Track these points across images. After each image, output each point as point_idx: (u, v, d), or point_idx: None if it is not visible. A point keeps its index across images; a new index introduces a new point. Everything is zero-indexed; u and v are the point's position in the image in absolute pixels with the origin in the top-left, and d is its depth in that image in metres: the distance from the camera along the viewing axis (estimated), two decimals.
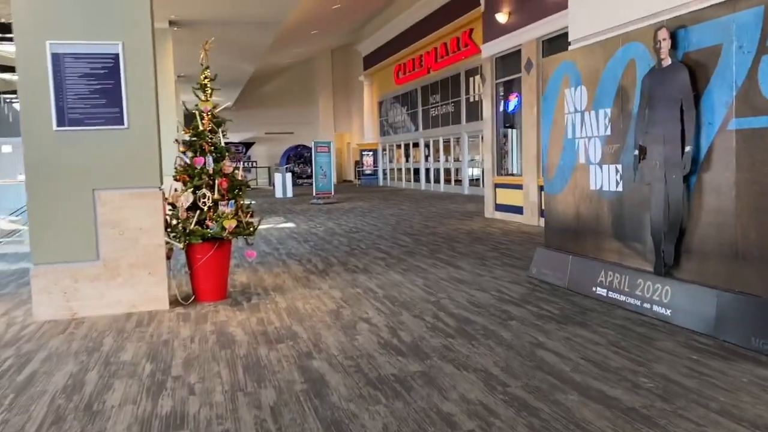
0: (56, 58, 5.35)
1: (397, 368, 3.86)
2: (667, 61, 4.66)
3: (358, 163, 33.27)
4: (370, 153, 32.27)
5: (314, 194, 19.45)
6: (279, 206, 18.81)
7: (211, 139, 5.93)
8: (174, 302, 5.83)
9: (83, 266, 5.49)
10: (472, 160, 21.69)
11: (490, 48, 12.86)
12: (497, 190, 13.03)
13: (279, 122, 38.22)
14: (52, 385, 3.78)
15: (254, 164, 32.15)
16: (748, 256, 4.13)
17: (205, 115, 5.92)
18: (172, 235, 5.77)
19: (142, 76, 5.56)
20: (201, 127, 5.88)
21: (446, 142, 23.84)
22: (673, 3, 5.66)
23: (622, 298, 5.19)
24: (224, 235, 5.69)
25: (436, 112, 24.48)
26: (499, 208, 12.94)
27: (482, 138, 19.29)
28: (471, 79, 21.36)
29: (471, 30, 20.31)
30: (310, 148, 33.96)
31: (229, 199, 5.85)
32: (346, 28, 30.87)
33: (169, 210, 5.85)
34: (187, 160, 5.90)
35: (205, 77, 6.03)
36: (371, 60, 30.68)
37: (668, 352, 4.03)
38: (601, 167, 5.64)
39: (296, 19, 22.73)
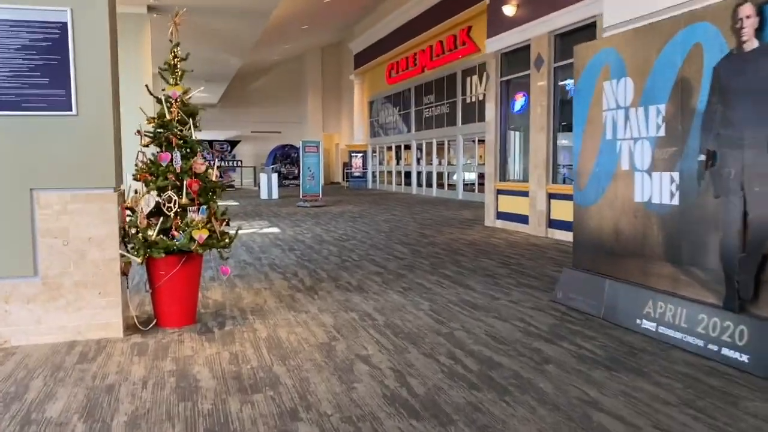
0: None
1: None
2: (752, 44, 3.73)
3: (347, 165, 32.26)
4: (360, 155, 31.27)
5: (301, 197, 18.43)
6: (263, 209, 17.76)
7: (180, 131, 4.91)
8: (131, 327, 4.80)
9: (17, 284, 4.45)
10: (467, 163, 20.76)
11: (495, 43, 11.93)
12: (499, 196, 12.09)
13: (266, 120, 37.13)
14: None
15: (239, 163, 31.02)
16: None
17: (173, 102, 4.90)
18: (129, 246, 4.75)
19: (96, 52, 4.53)
20: (168, 117, 4.86)
21: (440, 145, 22.91)
22: None
23: (678, 335, 4.25)
24: (193, 248, 4.67)
25: (430, 113, 23.55)
26: (501, 216, 12.00)
27: (477, 141, 18.52)
28: (468, 79, 20.45)
29: (469, 27, 19.40)
30: (298, 149, 32.99)
31: (200, 205, 4.83)
32: (337, 24, 29.90)
33: (129, 216, 4.83)
34: (151, 157, 4.87)
35: (174, 56, 5.01)
36: (363, 58, 29.70)
37: (764, 419, 3.09)
38: (650, 175, 4.69)
39: (286, 13, 21.71)
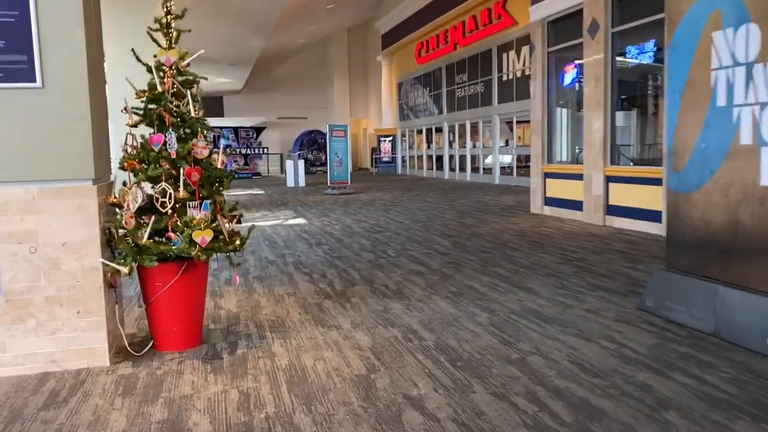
0: None
1: None
2: None
3: (375, 150, 31.21)
4: (388, 139, 30.18)
5: (329, 184, 17.47)
6: (290, 197, 16.84)
7: (176, 106, 3.92)
8: (122, 351, 3.87)
9: None
10: (504, 146, 19.54)
11: (540, 10, 10.71)
12: (547, 180, 10.94)
13: (292, 106, 36.23)
14: None
15: (265, 150, 30.18)
16: None
17: (166, 69, 3.90)
18: (117, 252, 3.80)
19: (65, 8, 3.56)
20: (160, 88, 3.87)
21: (474, 127, 21.70)
22: None
23: None
24: (194, 253, 3.70)
25: (463, 93, 22.32)
26: (550, 202, 10.85)
27: (516, 121, 17.29)
28: (504, 55, 19.18)
29: (505, 0, 18.11)
30: (325, 134, 32.02)
31: (202, 199, 3.85)
32: (363, 3, 28.74)
33: (117, 214, 3.88)
34: (141, 140, 3.90)
35: (168, 12, 3.99)
36: (390, 38, 28.49)
37: None
38: None
39: None
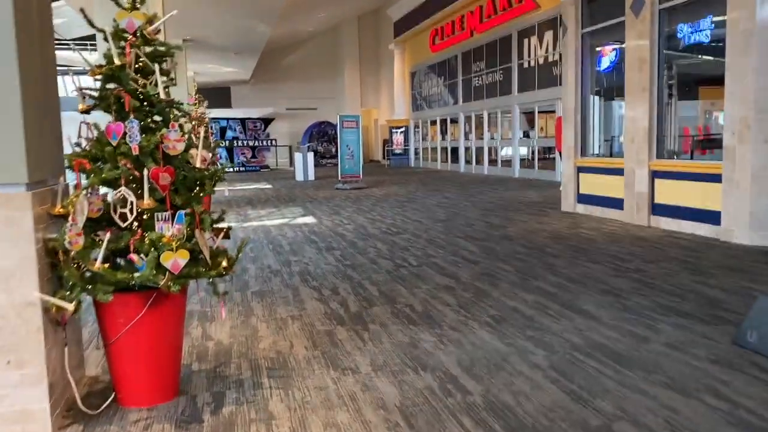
0: None
1: None
2: None
3: (387, 142, 30.20)
4: (401, 130, 29.16)
5: (339, 178, 16.52)
6: (298, 192, 15.91)
7: (142, 86, 2.97)
8: (73, 408, 2.95)
9: None
10: (525, 137, 18.49)
11: None
12: (581, 175, 9.92)
13: (301, 97, 35.21)
14: None
15: (273, 142, 29.24)
16: None
17: (129, 37, 2.95)
18: (63, 281, 2.87)
19: None
20: (119, 62, 2.91)
21: (492, 117, 20.65)
22: None
23: None
24: (162, 283, 2.76)
25: (480, 82, 21.25)
26: (584, 199, 9.84)
27: (538, 111, 16.19)
28: (525, 41, 18.10)
29: None
30: (335, 125, 31.02)
31: (176, 209, 2.91)
32: None
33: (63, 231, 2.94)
34: (95, 131, 2.96)
35: None
36: (403, 25, 27.41)
37: None
38: None
39: None
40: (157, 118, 2.98)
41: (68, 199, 2.86)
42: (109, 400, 3.01)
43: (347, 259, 6.65)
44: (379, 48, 33.28)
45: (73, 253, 2.78)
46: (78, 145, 2.99)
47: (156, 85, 2.92)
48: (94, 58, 3.54)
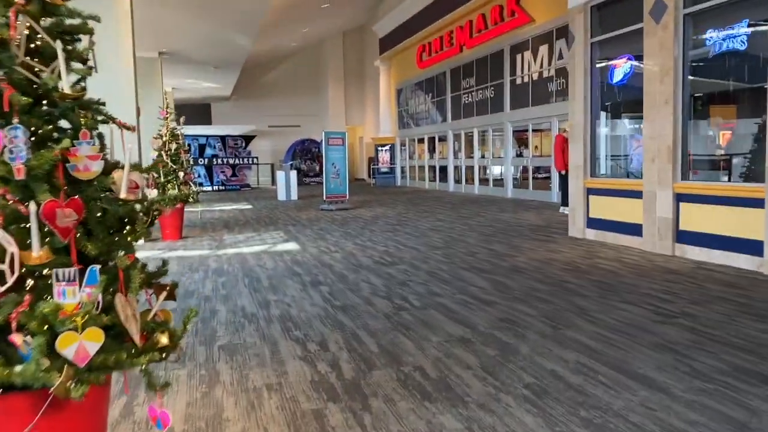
0: None
1: None
2: None
3: (373, 160, 29.29)
4: (387, 148, 28.28)
5: (324, 198, 15.51)
6: (280, 213, 14.87)
7: (35, 74, 1.96)
8: None
9: None
10: (518, 155, 17.65)
11: None
12: (591, 197, 9.03)
13: (284, 114, 34.29)
14: None
15: (255, 160, 28.17)
16: None
17: (16, 1, 1.95)
18: None
19: None
20: None
21: (482, 135, 19.82)
22: None
23: None
24: (56, 385, 1.73)
25: (470, 99, 20.46)
26: (595, 223, 8.94)
27: (532, 129, 15.31)
28: (518, 56, 17.34)
29: None
30: (319, 143, 30.06)
31: (86, 263, 1.90)
32: (360, 4, 26.92)
33: None
34: None
35: None
36: (389, 41, 26.66)
37: None
38: None
39: None
40: (60, 123, 1.97)
41: None
42: None
43: (337, 298, 5.63)
44: (364, 64, 32.52)
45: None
46: None
47: (58, 74, 1.91)
48: None
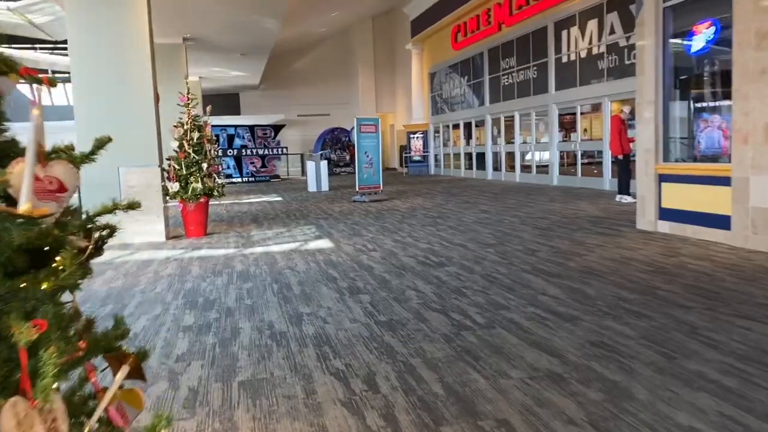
0: None
1: None
2: None
3: (405, 148, 28.28)
4: (420, 135, 27.23)
5: (357, 189, 14.58)
6: (311, 205, 14.00)
7: None
8: None
9: None
10: (565, 140, 16.46)
11: None
12: (664, 185, 7.92)
13: (313, 103, 33.48)
14: None
15: (284, 151, 27.36)
16: None
17: None
18: None
19: None
20: None
21: (524, 119, 18.65)
22: None
23: None
24: None
25: (510, 81, 19.28)
26: (669, 215, 7.84)
27: (581, 110, 13.99)
28: (564, 32, 16.12)
29: None
30: (349, 132, 29.15)
31: None
32: None
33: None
34: None
35: None
36: (421, 23, 25.52)
37: None
38: None
39: None
40: None
41: None
42: None
43: (381, 311, 4.70)
44: (395, 49, 31.44)
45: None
46: None
47: None
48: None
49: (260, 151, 26.24)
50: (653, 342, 3.70)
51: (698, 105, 7.77)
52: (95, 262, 1.28)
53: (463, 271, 6.04)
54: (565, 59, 16.16)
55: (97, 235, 1.22)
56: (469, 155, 23.02)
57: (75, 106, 8.83)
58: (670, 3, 7.73)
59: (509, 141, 19.60)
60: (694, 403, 2.83)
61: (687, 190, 7.53)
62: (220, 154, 24.53)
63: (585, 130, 15.43)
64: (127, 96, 8.94)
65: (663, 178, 7.93)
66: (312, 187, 18.69)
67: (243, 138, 26.33)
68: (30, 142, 1.09)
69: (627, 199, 11.59)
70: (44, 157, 1.13)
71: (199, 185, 9.12)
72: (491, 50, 20.46)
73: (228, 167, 25.52)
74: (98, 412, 1.17)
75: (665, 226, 7.88)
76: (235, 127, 26.39)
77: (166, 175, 9.26)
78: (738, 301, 4.55)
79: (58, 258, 1.09)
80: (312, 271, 6.39)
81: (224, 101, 32.41)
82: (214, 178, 9.44)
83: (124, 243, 8.84)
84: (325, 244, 8.21)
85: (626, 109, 11.92)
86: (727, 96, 6.95)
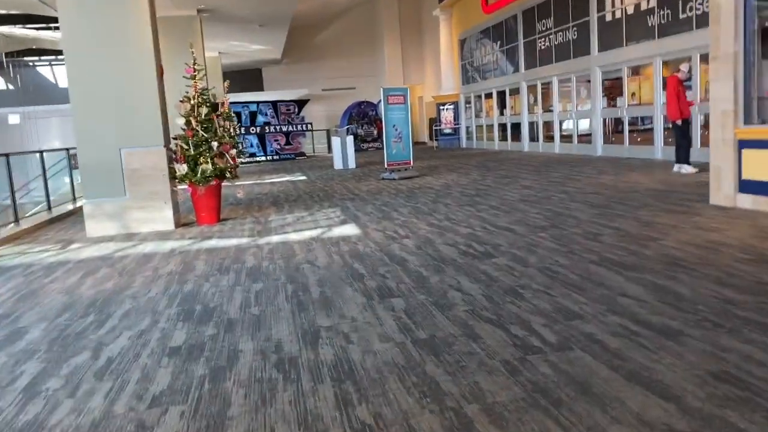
0: None
1: None
2: None
3: (434, 121, 27.05)
4: (450, 107, 25.95)
5: (386, 165, 13.53)
6: (337, 185, 13.02)
7: None
8: None
9: None
10: (610, 105, 15.11)
11: None
12: (744, 152, 6.73)
13: (338, 76, 32.35)
14: None
15: (309, 127, 26.36)
16: None
17: None
18: None
19: None
20: None
21: (564, 85, 17.31)
22: None
23: None
24: None
25: (547, 44, 17.90)
26: (751, 187, 6.67)
27: (630, 71, 12.58)
28: None
29: None
30: (375, 105, 27.99)
31: None
32: None
33: None
34: None
35: None
36: None
37: None
38: None
39: None
40: None
41: None
42: None
43: (419, 323, 3.71)
44: (422, 16, 30.06)
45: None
46: None
47: None
48: None
49: (284, 128, 25.30)
50: None
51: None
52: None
53: (515, 263, 5.01)
54: (609, 17, 14.74)
55: None
56: (503, 126, 21.74)
57: (69, 84, 7.93)
58: None
59: (547, 109, 18.28)
60: None
61: None
62: (239, 132, 23.80)
63: (633, 94, 14.09)
64: (127, 70, 8.00)
65: (743, 144, 6.73)
66: (338, 165, 17.71)
67: (266, 115, 25.39)
68: None
69: (687, 168, 10.36)
70: None
71: (209, 166, 8.19)
72: (526, 12, 19.04)
73: (251, 145, 24.68)
74: None
75: (746, 201, 6.71)
76: (257, 103, 25.46)
77: (173, 156, 8.35)
78: None
79: None
80: (335, 265, 5.43)
81: (246, 77, 31.49)
82: (226, 158, 8.50)
83: (130, 233, 8.00)
84: (350, 230, 7.23)
85: (684, 68, 10.60)
86: None
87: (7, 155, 9.36)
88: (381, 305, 4.12)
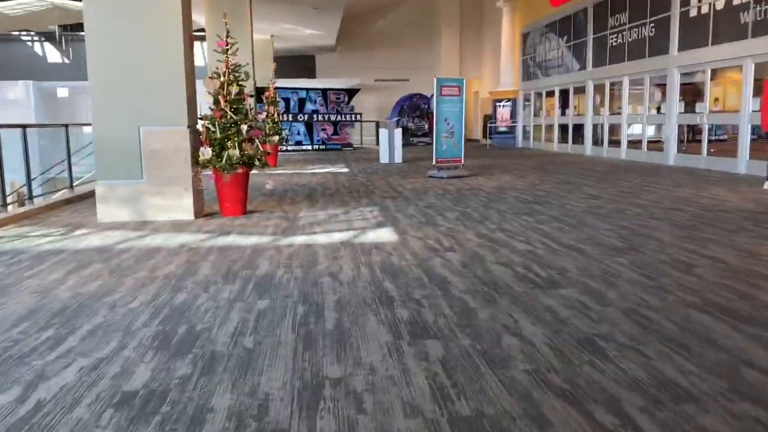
0: None
1: None
2: None
3: (489, 118, 25.73)
4: (507, 104, 24.60)
5: (434, 162, 12.46)
6: (379, 180, 12.04)
7: None
8: None
9: None
10: (687, 111, 13.64)
11: None
12: None
13: (392, 67, 31.33)
14: None
15: (358, 117, 25.44)
16: None
17: None
18: None
19: None
20: None
21: (636, 85, 15.86)
22: None
23: None
24: None
25: (620, 40, 16.46)
26: None
27: (711, 73, 11.21)
28: None
29: None
30: (429, 99, 26.87)
31: None
32: None
33: None
34: None
35: None
36: None
37: None
38: None
39: None
40: None
41: None
42: None
43: (461, 385, 2.67)
44: (483, 8, 28.76)
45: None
46: None
47: None
48: None
49: (332, 117, 24.45)
50: None
51: None
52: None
53: (589, 298, 3.92)
54: (693, 12, 13.26)
55: None
56: (563, 127, 20.35)
57: (88, 52, 7.15)
58: None
59: (615, 111, 16.85)
60: None
61: None
62: (287, 118, 23.05)
63: (716, 99, 12.61)
64: (150, 36, 7.17)
65: None
66: (384, 158, 16.71)
67: (315, 102, 24.58)
68: None
69: None
70: None
71: (236, 152, 7.30)
72: (598, 5, 17.60)
73: (298, 133, 23.93)
74: None
75: None
76: (307, 90, 24.67)
77: (199, 139, 7.50)
78: None
79: None
80: (361, 281, 4.44)
81: (298, 63, 30.84)
82: (257, 144, 7.60)
83: (143, 221, 7.20)
84: (387, 235, 6.23)
85: None
86: None
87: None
88: (411, 349, 3.11)
